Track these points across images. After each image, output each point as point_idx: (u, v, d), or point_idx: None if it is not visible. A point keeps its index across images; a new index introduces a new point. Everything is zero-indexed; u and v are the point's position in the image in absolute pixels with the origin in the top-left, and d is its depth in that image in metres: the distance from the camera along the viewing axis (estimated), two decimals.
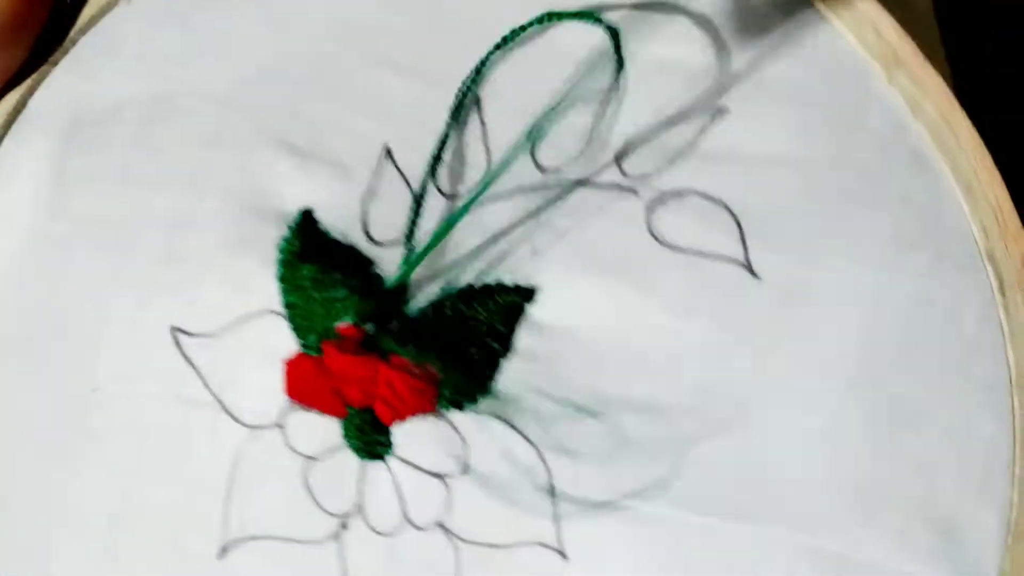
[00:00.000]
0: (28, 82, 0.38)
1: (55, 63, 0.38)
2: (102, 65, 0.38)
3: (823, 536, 0.32)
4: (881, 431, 0.32)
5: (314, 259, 0.34)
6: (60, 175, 0.37)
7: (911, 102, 0.34)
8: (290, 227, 0.35)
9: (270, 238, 0.35)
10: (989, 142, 0.33)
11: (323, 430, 0.33)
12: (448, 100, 0.36)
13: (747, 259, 0.33)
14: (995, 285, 0.33)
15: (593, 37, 0.36)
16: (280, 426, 0.33)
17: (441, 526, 0.32)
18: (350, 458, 0.33)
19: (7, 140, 0.38)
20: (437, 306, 0.34)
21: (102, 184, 0.37)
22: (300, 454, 0.33)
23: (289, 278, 0.34)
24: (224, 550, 0.33)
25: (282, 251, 0.34)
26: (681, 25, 0.36)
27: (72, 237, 0.36)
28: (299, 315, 0.34)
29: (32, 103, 0.38)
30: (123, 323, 0.35)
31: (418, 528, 0.32)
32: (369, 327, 0.33)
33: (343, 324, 0.33)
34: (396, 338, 0.33)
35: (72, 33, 0.38)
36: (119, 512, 0.34)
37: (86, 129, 0.37)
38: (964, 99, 0.34)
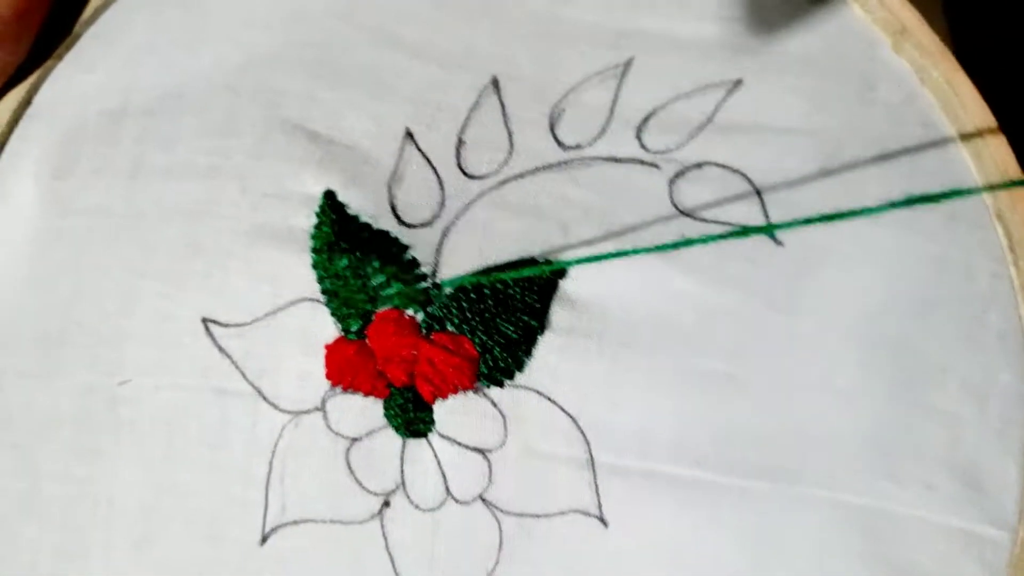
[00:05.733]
0: (32, 78, 0.37)
1: (60, 57, 0.38)
2: (108, 57, 0.37)
3: (850, 491, 0.33)
4: (902, 387, 0.33)
5: (348, 247, 0.34)
6: (68, 170, 0.36)
7: (918, 70, 0.35)
8: (318, 214, 0.34)
9: (296, 225, 0.34)
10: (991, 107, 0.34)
11: (362, 412, 0.33)
12: (462, 80, 0.36)
13: None
14: (1005, 243, 0.34)
15: (606, 15, 0.36)
16: (321, 410, 0.33)
17: (482, 499, 0.33)
18: (390, 437, 0.33)
19: (14, 137, 0.37)
20: (473, 285, 0.34)
21: (112, 177, 0.36)
22: (341, 436, 0.33)
23: (325, 266, 0.34)
24: (266, 536, 0.33)
25: (315, 239, 0.34)
26: (695, 1, 0.36)
27: (85, 231, 0.36)
28: (339, 303, 0.34)
29: (38, 99, 0.37)
30: (149, 315, 0.35)
31: (460, 503, 0.33)
32: (410, 309, 0.34)
33: (385, 310, 0.33)
34: (436, 318, 0.33)
35: (77, 27, 0.38)
36: (153, 503, 0.34)
37: (93, 123, 0.37)
38: (966, 67, 0.35)
